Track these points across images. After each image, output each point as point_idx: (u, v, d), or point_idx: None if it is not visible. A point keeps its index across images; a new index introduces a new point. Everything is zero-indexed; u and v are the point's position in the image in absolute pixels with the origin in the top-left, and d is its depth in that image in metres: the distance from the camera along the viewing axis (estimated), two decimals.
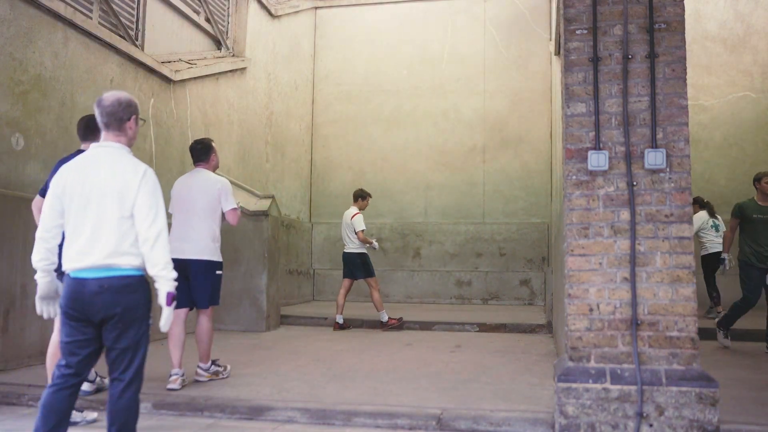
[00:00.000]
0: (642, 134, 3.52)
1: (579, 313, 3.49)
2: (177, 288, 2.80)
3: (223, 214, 4.90)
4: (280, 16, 10.86)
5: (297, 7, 11.54)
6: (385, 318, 8.00)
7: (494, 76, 11.67)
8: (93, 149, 2.85)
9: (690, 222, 3.44)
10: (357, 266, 8.04)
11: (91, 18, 6.45)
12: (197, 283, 4.74)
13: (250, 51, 9.66)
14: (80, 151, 3.97)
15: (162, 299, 2.73)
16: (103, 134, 2.86)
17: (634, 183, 3.49)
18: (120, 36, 6.78)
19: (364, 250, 8.11)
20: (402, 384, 4.68)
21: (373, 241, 8.23)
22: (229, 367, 4.99)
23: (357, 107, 12.15)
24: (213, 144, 5.11)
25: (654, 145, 3.48)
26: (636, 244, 3.45)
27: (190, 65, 8.08)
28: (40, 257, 2.79)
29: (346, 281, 8.15)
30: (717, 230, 8.47)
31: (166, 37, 7.95)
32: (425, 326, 8.15)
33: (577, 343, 3.47)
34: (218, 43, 9.24)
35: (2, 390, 4.30)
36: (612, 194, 3.53)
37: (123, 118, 2.83)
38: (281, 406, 4.01)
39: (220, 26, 9.19)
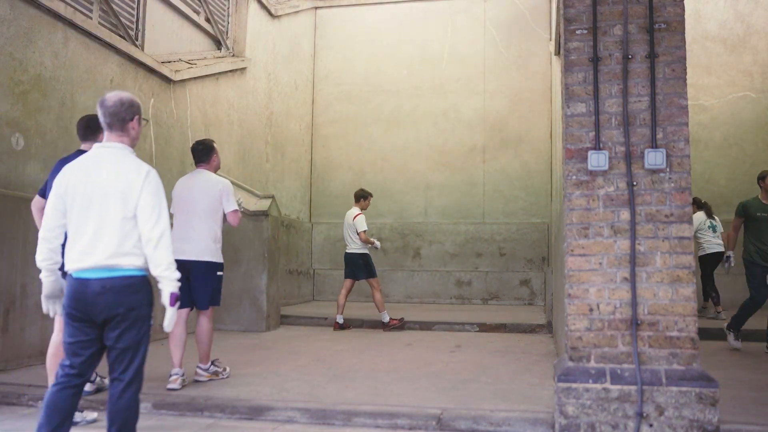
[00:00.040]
0: (642, 134, 3.52)
1: (579, 313, 3.49)
2: (179, 288, 2.80)
3: (224, 215, 4.92)
4: (280, 16, 10.86)
5: (297, 7, 11.54)
6: (386, 319, 8.00)
7: (494, 76, 11.67)
8: (96, 149, 2.85)
9: (690, 222, 3.44)
10: (359, 267, 8.04)
11: (91, 18, 6.45)
12: (198, 283, 4.74)
13: (250, 51, 9.66)
14: (80, 151, 3.97)
15: (165, 300, 2.73)
16: (106, 134, 2.85)
17: (634, 183, 3.49)
18: (120, 36, 6.78)
19: (366, 251, 8.11)
20: (402, 384, 4.69)
21: (375, 242, 8.22)
22: (228, 369, 5.00)
23: (357, 107, 12.15)
24: (214, 145, 5.12)
25: (654, 145, 3.48)
26: (636, 244, 3.45)
27: (190, 65, 8.08)
28: (44, 257, 2.80)
29: (348, 281, 8.15)
30: (714, 231, 8.49)
31: (166, 37, 7.95)
32: (425, 326, 8.15)
33: (577, 343, 3.47)
34: (218, 43, 9.24)
35: (2, 390, 4.30)
36: (612, 194, 3.53)
37: (126, 118, 2.83)
38: (281, 406, 4.01)
39: (220, 26, 9.19)
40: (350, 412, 3.88)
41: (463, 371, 5.24)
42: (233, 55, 9.43)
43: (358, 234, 7.95)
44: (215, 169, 5.11)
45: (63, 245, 2.82)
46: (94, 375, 4.28)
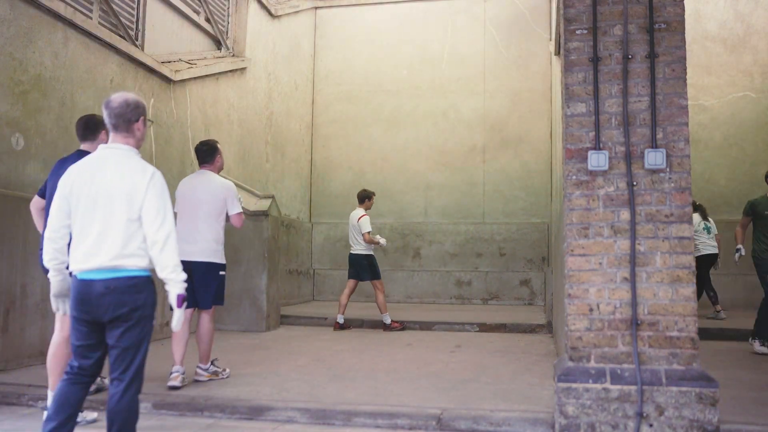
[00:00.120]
0: (642, 134, 3.52)
1: (579, 313, 3.49)
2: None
3: (227, 216, 4.96)
4: (280, 16, 10.86)
5: (297, 7, 11.54)
6: (388, 320, 8.00)
7: (494, 76, 11.67)
8: (101, 150, 2.87)
9: (690, 222, 3.44)
10: (363, 268, 8.03)
11: (91, 18, 6.45)
12: (200, 284, 4.77)
13: (250, 51, 9.66)
14: (80, 151, 3.97)
15: (173, 301, 2.76)
16: (112, 135, 2.86)
17: (634, 183, 3.49)
18: (120, 36, 6.78)
19: (371, 252, 8.10)
20: (402, 384, 4.69)
21: (380, 240, 8.17)
22: (228, 370, 5.00)
23: (357, 107, 12.15)
24: (218, 146, 5.14)
25: (654, 145, 3.48)
26: (636, 244, 3.45)
27: (190, 65, 8.08)
28: (50, 257, 2.85)
29: (351, 282, 8.14)
30: (709, 233, 8.53)
31: (166, 37, 7.95)
32: (425, 326, 8.15)
33: (577, 343, 3.47)
34: (218, 43, 9.24)
35: (2, 390, 4.30)
36: (612, 194, 3.53)
37: (131, 119, 2.84)
38: (281, 406, 4.01)
39: (220, 26, 9.19)
40: (350, 412, 3.88)
41: (463, 371, 5.24)
42: (233, 55, 9.43)
43: (362, 235, 7.94)
44: (219, 170, 5.13)
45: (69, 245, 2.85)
46: None
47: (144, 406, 3.77)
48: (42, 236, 3.91)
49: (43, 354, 4.46)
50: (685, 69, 3.53)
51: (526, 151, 11.40)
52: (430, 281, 11.39)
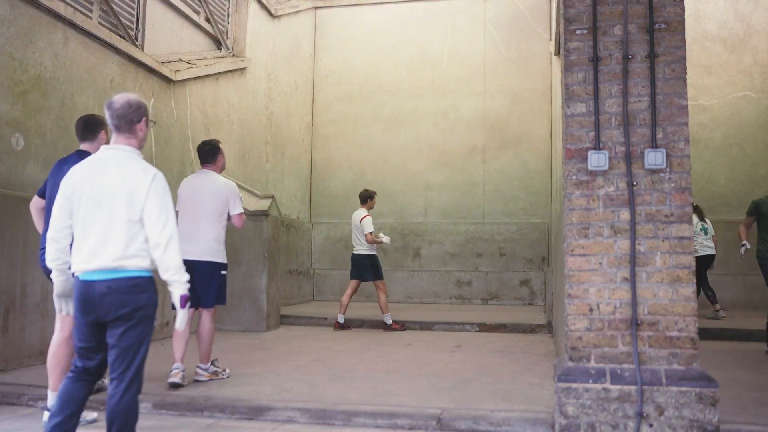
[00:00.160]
0: (642, 134, 3.52)
1: (579, 313, 3.49)
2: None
3: (228, 216, 4.98)
4: (280, 16, 10.86)
5: (297, 7, 11.54)
6: (389, 321, 8.00)
7: (494, 76, 11.67)
8: (103, 151, 2.88)
9: (690, 222, 3.44)
10: (366, 268, 8.03)
11: (91, 18, 6.44)
12: (202, 283, 4.78)
13: (250, 51, 9.66)
14: (80, 151, 3.97)
15: (176, 302, 2.78)
16: (114, 136, 2.88)
17: (634, 183, 3.49)
18: (120, 36, 6.78)
19: (374, 252, 8.10)
20: (402, 384, 4.69)
21: (383, 238, 8.15)
22: (228, 370, 5.00)
23: (357, 107, 12.15)
24: (220, 146, 5.18)
25: (654, 145, 3.48)
26: (636, 244, 3.45)
27: (190, 65, 8.08)
28: (52, 257, 2.87)
29: (354, 282, 8.13)
30: (706, 233, 8.55)
31: (166, 37, 7.95)
32: (425, 326, 8.15)
33: (577, 343, 3.47)
34: (218, 43, 9.24)
35: (2, 390, 4.30)
36: (612, 194, 3.53)
37: (133, 120, 2.85)
38: (281, 406, 4.01)
39: (220, 26, 9.19)
40: (350, 412, 3.88)
41: (463, 371, 5.24)
42: (233, 55, 9.42)
43: (365, 236, 7.94)
44: (221, 170, 5.16)
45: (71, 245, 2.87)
46: None
47: (144, 406, 3.77)
48: (42, 236, 3.92)
49: (43, 354, 4.46)
50: (685, 69, 3.53)
51: (526, 151, 11.40)
52: (430, 281, 11.39)
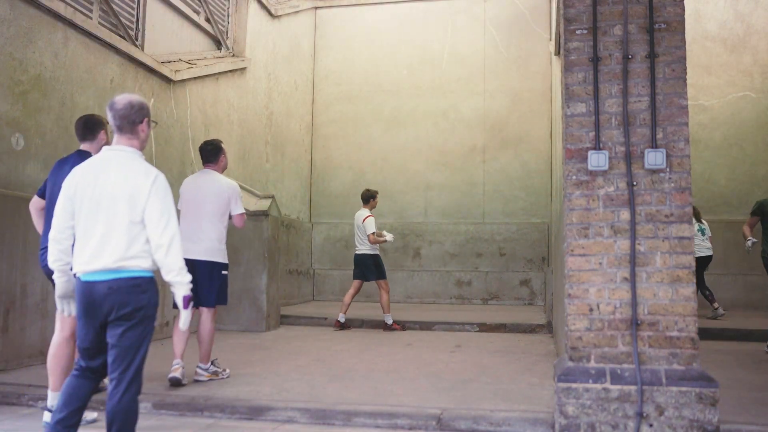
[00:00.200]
0: (642, 134, 3.52)
1: (579, 313, 3.49)
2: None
3: (229, 216, 5.01)
4: (280, 16, 10.85)
5: (297, 7, 11.54)
6: (389, 321, 8.00)
7: (494, 76, 11.67)
8: (105, 152, 2.89)
9: (690, 222, 3.44)
10: (369, 268, 8.02)
11: (91, 18, 6.44)
12: (203, 283, 4.80)
13: (250, 51, 9.66)
14: (80, 152, 3.97)
15: (179, 302, 2.80)
16: (116, 137, 2.89)
17: (634, 183, 3.49)
18: (120, 36, 6.77)
19: (376, 251, 8.09)
20: (402, 384, 4.69)
21: (386, 236, 8.14)
22: (228, 370, 5.00)
23: (357, 107, 12.15)
24: (222, 145, 5.19)
25: (654, 145, 3.48)
26: (636, 244, 3.45)
27: (190, 65, 8.08)
28: (54, 258, 2.88)
29: (357, 282, 8.12)
30: (703, 234, 8.55)
31: (166, 37, 7.95)
32: (425, 326, 8.15)
33: (577, 343, 3.47)
34: (218, 43, 9.24)
35: (2, 390, 4.30)
36: (612, 194, 3.53)
37: (135, 120, 2.86)
38: (281, 406, 4.01)
39: (220, 26, 9.19)
40: (350, 412, 3.88)
41: (463, 371, 5.24)
42: (233, 55, 9.42)
43: (367, 236, 7.94)
44: (222, 170, 5.18)
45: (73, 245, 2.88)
46: None
47: (144, 406, 3.77)
48: (42, 237, 3.92)
49: (43, 354, 4.46)
50: (685, 69, 3.53)
51: (526, 151, 11.40)
52: (430, 281, 11.39)
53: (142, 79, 6.98)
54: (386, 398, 4.23)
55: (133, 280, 2.70)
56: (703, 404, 3.25)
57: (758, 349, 6.31)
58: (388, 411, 3.87)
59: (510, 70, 11.62)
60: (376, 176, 11.72)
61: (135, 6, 7.26)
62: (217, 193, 4.94)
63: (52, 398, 3.62)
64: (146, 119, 2.90)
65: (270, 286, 7.85)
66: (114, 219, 2.72)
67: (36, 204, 4.09)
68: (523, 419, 3.69)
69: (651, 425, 3.28)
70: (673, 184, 3.46)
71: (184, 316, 2.84)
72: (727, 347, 6.49)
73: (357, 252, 8.12)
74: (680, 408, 3.27)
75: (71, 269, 2.86)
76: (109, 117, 2.87)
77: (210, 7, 8.86)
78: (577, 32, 3.66)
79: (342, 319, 8.03)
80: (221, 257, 4.94)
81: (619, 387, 3.34)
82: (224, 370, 4.93)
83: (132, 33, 7.18)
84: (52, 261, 2.88)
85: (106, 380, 4.00)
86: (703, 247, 8.47)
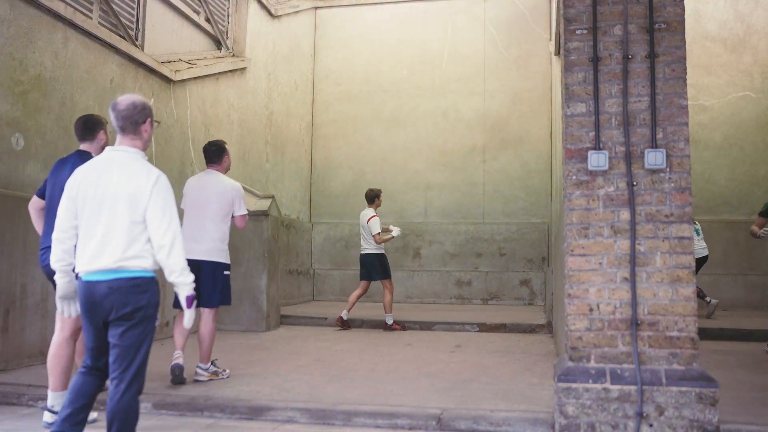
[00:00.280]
0: (642, 134, 3.52)
1: (579, 313, 3.49)
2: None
3: (232, 217, 5.04)
4: (280, 16, 10.85)
5: (297, 7, 11.54)
6: (390, 321, 8.01)
7: (494, 76, 11.66)
8: (107, 152, 2.90)
9: (690, 222, 3.44)
10: (375, 267, 8.01)
11: (91, 18, 6.44)
12: (205, 283, 4.82)
13: (250, 51, 9.66)
14: (79, 152, 3.97)
15: (182, 302, 2.82)
16: (119, 138, 2.89)
17: (634, 183, 3.49)
18: (120, 36, 6.77)
19: (382, 251, 8.09)
20: (402, 384, 4.69)
21: (394, 232, 8.10)
22: (228, 371, 5.00)
23: (357, 107, 12.14)
24: (226, 146, 5.20)
25: (654, 145, 3.48)
26: (636, 244, 3.45)
27: (190, 65, 8.08)
28: (57, 258, 2.89)
29: (364, 283, 8.12)
30: (698, 234, 8.53)
31: (166, 37, 7.95)
32: (425, 326, 8.15)
33: (577, 343, 3.47)
34: (218, 43, 9.24)
35: (2, 390, 4.30)
36: (612, 194, 3.53)
37: (138, 121, 2.87)
38: (281, 406, 4.01)
39: (220, 26, 9.19)
40: (350, 412, 3.88)
41: (463, 371, 5.24)
42: (233, 55, 9.42)
43: (373, 236, 7.93)
44: (226, 170, 5.20)
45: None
46: None
47: (144, 406, 3.77)
48: (42, 237, 3.92)
49: (43, 354, 4.46)
50: (685, 69, 3.53)
51: (526, 151, 11.39)
52: (430, 281, 11.39)
53: (142, 79, 6.98)
54: (386, 398, 4.23)
55: (133, 280, 2.71)
56: (703, 404, 3.25)
57: (758, 349, 6.31)
58: (388, 411, 3.87)
59: (510, 70, 11.62)
60: (376, 176, 11.71)
61: (135, 6, 7.26)
62: (221, 194, 4.96)
63: (52, 398, 3.63)
64: (149, 119, 2.91)
65: (270, 286, 7.85)
66: (115, 219, 2.73)
67: (35, 204, 4.08)
68: (523, 419, 3.69)
69: (651, 425, 3.28)
70: (673, 184, 3.46)
71: (189, 315, 2.86)
72: (727, 347, 6.49)
73: (363, 252, 8.11)
74: (680, 408, 3.27)
75: (73, 270, 2.87)
76: (111, 117, 2.87)
77: (210, 7, 8.85)
78: (577, 32, 3.66)
79: (345, 316, 8.03)
80: (223, 258, 4.96)
81: (619, 387, 3.34)
82: (224, 370, 4.93)
83: (132, 33, 7.18)
84: (55, 261, 2.88)
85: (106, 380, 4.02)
86: (698, 247, 8.46)
